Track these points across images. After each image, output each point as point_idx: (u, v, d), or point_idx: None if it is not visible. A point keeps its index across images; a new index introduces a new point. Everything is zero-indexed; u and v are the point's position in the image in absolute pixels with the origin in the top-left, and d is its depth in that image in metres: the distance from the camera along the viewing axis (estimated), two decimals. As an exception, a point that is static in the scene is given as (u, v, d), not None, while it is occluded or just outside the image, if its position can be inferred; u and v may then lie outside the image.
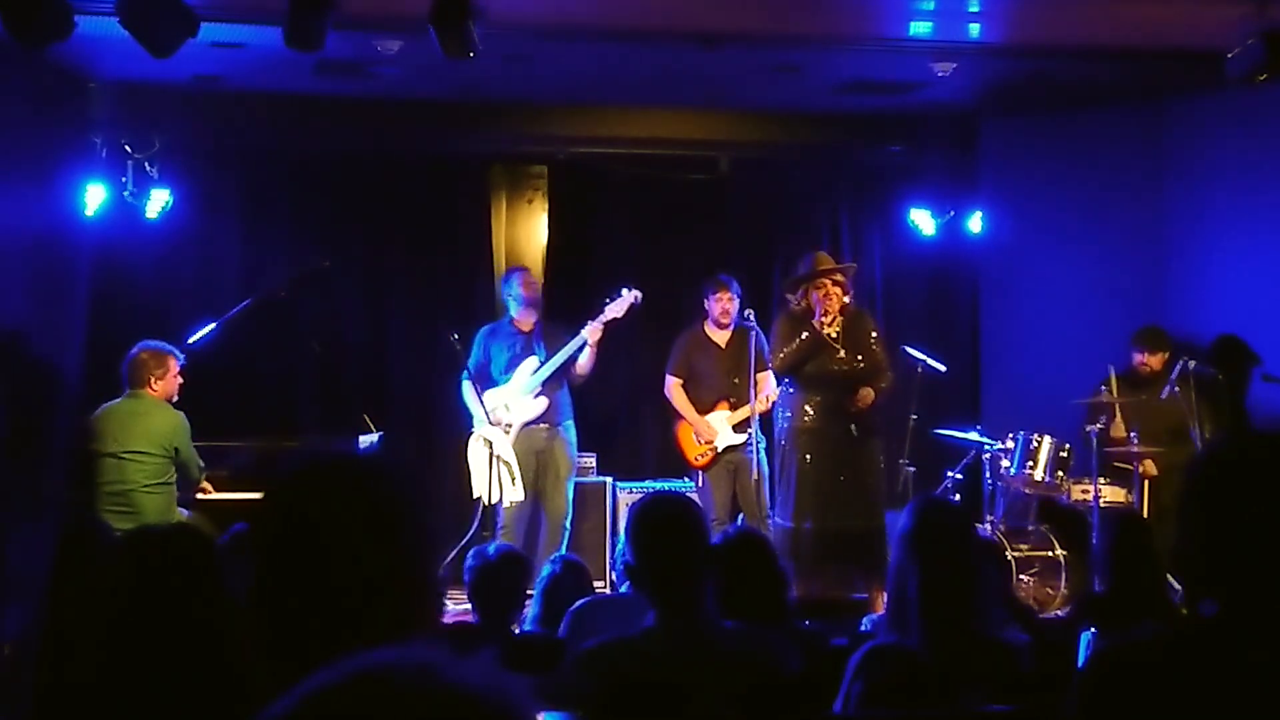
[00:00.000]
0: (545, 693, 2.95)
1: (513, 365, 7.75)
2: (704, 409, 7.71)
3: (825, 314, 6.98)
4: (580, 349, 7.63)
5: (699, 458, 7.74)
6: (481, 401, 7.60)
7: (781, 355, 7.06)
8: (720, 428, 7.65)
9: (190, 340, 7.56)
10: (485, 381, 7.74)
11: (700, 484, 7.73)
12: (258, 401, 8.41)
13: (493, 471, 7.61)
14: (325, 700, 0.97)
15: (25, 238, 6.95)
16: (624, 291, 7.66)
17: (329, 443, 7.44)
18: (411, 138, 8.74)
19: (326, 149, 8.86)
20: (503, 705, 0.98)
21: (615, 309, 7.63)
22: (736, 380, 7.51)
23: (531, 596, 7.20)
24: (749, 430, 7.42)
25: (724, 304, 7.71)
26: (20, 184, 6.91)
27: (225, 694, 1.66)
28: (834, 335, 7.02)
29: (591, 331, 7.57)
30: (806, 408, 7.04)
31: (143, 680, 1.65)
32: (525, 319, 7.83)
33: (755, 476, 7.33)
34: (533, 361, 7.72)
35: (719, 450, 7.65)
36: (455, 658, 1.00)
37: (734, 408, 7.61)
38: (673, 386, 7.82)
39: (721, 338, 7.75)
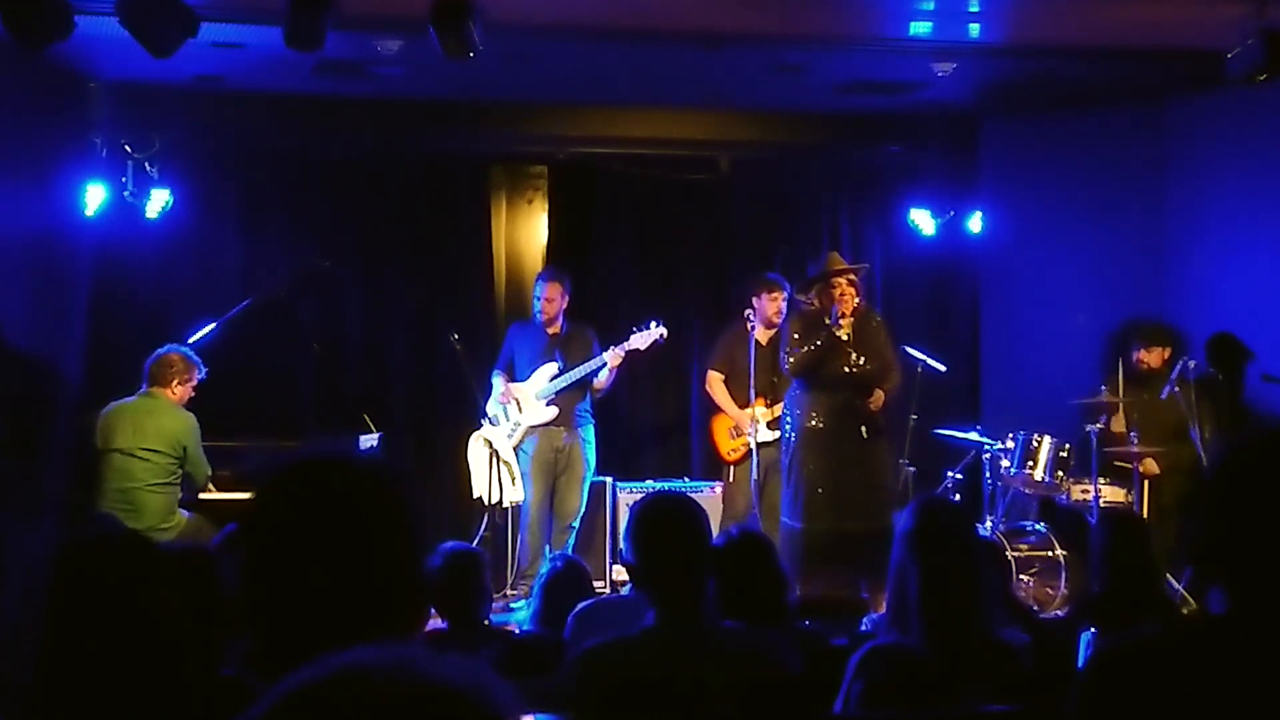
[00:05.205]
0: (545, 693, 2.95)
1: (534, 365, 7.81)
2: (741, 405, 7.78)
3: (842, 314, 6.96)
4: (598, 370, 7.71)
5: (732, 452, 7.89)
6: (508, 391, 7.75)
7: (796, 357, 7.01)
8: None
9: (190, 340, 7.57)
10: (512, 375, 7.90)
11: (730, 479, 7.84)
12: (258, 401, 8.39)
13: (493, 472, 7.62)
14: (307, 697, 0.97)
15: (25, 238, 6.96)
16: (652, 325, 7.71)
17: (323, 442, 7.42)
18: (411, 138, 8.73)
19: (326, 149, 8.84)
20: (483, 700, 0.98)
21: (640, 340, 7.68)
22: (775, 379, 7.57)
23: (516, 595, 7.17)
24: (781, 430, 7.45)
25: (779, 304, 7.75)
26: (20, 184, 6.91)
27: (171, 706, 1.67)
28: (846, 337, 7.00)
29: (613, 356, 7.66)
30: (815, 409, 7.01)
31: (84, 692, 1.66)
32: (550, 323, 7.87)
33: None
34: (552, 368, 7.77)
35: (753, 446, 7.67)
36: (434, 654, 0.99)
37: (770, 405, 7.67)
38: (713, 381, 7.97)
39: (764, 337, 7.77)
